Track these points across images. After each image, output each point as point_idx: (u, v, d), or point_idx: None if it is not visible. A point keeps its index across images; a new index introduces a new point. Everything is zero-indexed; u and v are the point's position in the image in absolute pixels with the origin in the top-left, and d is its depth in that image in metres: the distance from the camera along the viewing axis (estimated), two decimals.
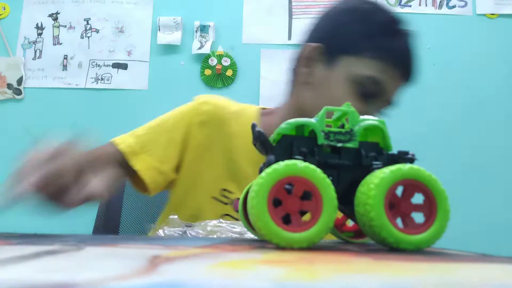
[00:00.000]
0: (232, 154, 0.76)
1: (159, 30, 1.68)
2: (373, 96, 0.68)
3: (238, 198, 0.78)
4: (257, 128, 0.33)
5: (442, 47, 1.67)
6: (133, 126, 1.64)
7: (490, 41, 1.67)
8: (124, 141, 0.72)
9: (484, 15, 1.70)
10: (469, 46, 1.67)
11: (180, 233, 0.41)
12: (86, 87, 1.68)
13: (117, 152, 0.71)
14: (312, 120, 0.33)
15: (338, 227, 0.38)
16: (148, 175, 0.71)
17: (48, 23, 1.71)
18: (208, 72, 1.67)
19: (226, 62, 1.67)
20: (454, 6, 1.71)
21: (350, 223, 0.39)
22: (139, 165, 0.71)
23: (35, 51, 1.70)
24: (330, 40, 0.71)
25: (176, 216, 0.45)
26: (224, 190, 0.75)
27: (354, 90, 0.68)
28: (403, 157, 0.33)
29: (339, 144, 0.33)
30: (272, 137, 0.34)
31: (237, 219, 0.69)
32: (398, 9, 1.71)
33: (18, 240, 0.28)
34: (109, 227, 1.05)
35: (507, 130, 1.61)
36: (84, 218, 1.41)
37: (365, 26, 0.70)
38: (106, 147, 0.72)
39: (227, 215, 0.74)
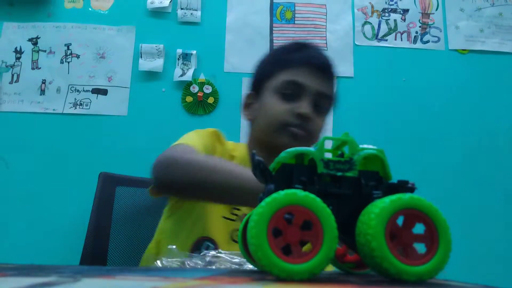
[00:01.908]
0: None
1: (141, 57, 1.68)
2: (297, 94, 0.84)
3: (245, 214, 0.82)
4: (257, 157, 0.33)
5: (417, 79, 1.74)
6: (112, 153, 1.63)
7: (461, 74, 1.75)
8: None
9: (456, 50, 1.78)
10: (441, 79, 1.74)
11: (179, 263, 0.40)
12: (64, 112, 1.64)
13: None
14: (312, 148, 0.33)
15: (339, 258, 0.38)
16: None
17: (27, 47, 1.69)
18: (189, 99, 1.67)
19: (207, 89, 1.68)
20: (428, 41, 1.78)
21: (351, 253, 0.38)
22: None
23: (12, 75, 1.66)
24: (255, 81, 0.92)
25: (174, 246, 0.43)
26: (234, 208, 0.84)
27: (279, 96, 0.84)
28: (403, 186, 0.33)
29: (339, 173, 0.33)
30: (272, 165, 0.34)
31: None
32: (375, 43, 1.77)
33: (13, 271, 0.27)
34: (96, 256, 1.02)
35: (477, 158, 1.67)
36: (71, 248, 1.36)
37: (274, 54, 0.93)
38: None
39: (237, 230, 0.81)
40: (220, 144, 0.91)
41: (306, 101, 0.83)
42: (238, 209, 0.84)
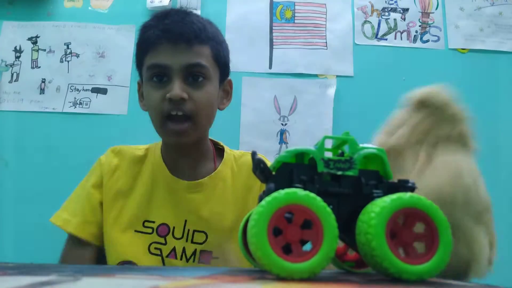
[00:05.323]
0: (149, 186, 0.84)
1: None
2: (165, 76, 0.77)
3: (163, 224, 0.79)
4: (257, 156, 0.33)
5: (417, 78, 1.73)
6: None
7: (461, 74, 1.74)
8: (58, 218, 0.86)
9: (456, 49, 1.77)
10: (441, 78, 1.73)
11: None
12: (63, 111, 1.64)
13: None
14: (312, 147, 0.33)
15: (339, 257, 0.38)
16: (80, 230, 0.82)
17: (27, 46, 1.68)
18: None
19: None
20: (427, 41, 1.78)
21: (351, 252, 0.38)
22: (71, 227, 0.82)
23: (12, 74, 1.66)
24: (137, 69, 0.84)
25: None
26: (145, 221, 0.81)
27: (152, 84, 0.78)
28: (404, 185, 0.33)
29: (339, 172, 0.33)
30: (272, 165, 0.34)
31: (164, 244, 0.79)
32: (374, 42, 1.77)
33: (13, 270, 0.27)
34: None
35: (476, 157, 1.66)
36: None
37: (138, 37, 0.82)
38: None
39: (154, 242, 0.80)
40: (119, 159, 0.91)
41: (175, 81, 0.76)
42: (152, 222, 0.81)
